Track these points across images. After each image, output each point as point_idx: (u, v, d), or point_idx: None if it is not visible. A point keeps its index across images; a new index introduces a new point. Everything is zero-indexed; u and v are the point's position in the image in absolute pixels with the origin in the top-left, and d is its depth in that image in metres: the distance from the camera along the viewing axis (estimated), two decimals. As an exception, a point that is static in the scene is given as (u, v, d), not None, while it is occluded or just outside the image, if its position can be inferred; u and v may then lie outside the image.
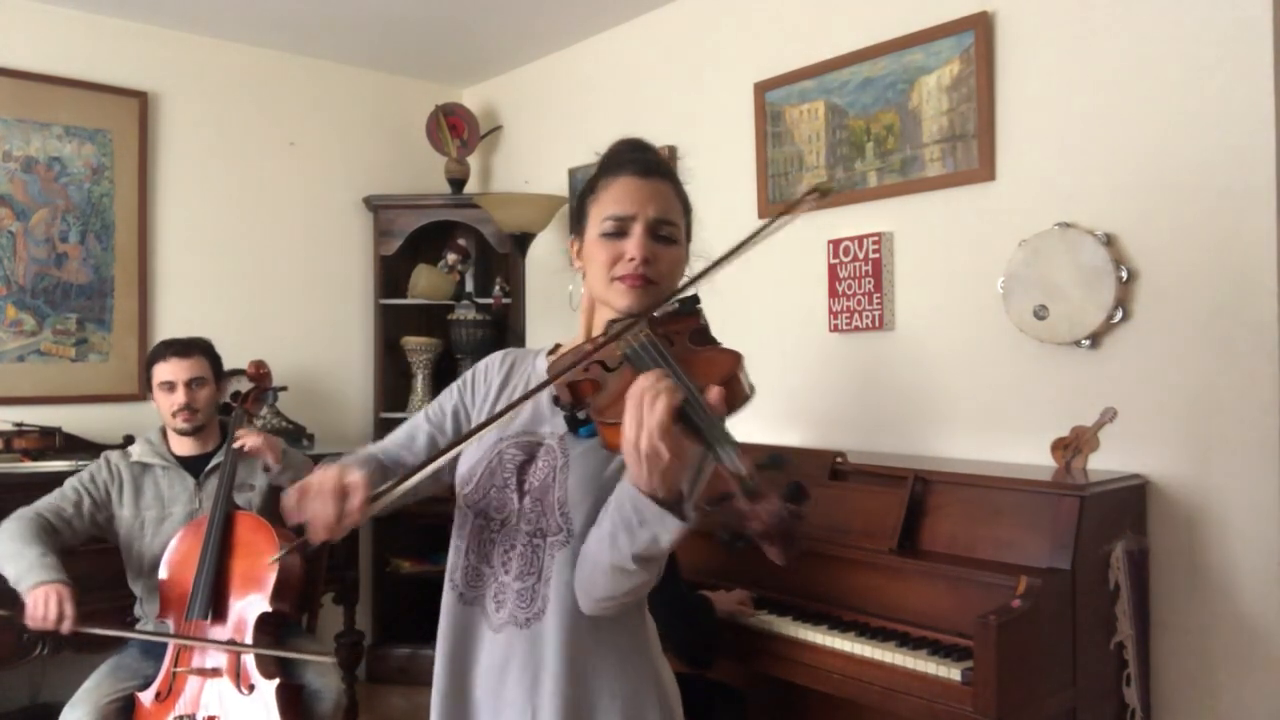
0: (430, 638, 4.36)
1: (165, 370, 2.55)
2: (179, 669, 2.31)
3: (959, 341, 2.59)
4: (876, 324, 2.73)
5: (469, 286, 4.21)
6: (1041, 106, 2.42)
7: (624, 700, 1.28)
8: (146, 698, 2.31)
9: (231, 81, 3.80)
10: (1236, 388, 2.10)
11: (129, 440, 3.12)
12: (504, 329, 3.98)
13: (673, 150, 3.40)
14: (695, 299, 1.29)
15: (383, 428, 4.02)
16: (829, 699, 2.18)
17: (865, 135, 2.79)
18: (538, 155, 4.05)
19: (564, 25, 3.67)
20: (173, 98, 3.67)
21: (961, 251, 2.58)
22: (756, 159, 3.07)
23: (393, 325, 4.08)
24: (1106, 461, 2.28)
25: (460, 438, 1.28)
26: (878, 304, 2.73)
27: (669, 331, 1.22)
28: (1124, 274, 2.23)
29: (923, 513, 2.22)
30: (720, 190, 3.22)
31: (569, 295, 1.41)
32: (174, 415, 2.55)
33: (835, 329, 2.84)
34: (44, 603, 2.16)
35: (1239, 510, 2.10)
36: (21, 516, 2.36)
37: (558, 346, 1.43)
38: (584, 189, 1.37)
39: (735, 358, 1.14)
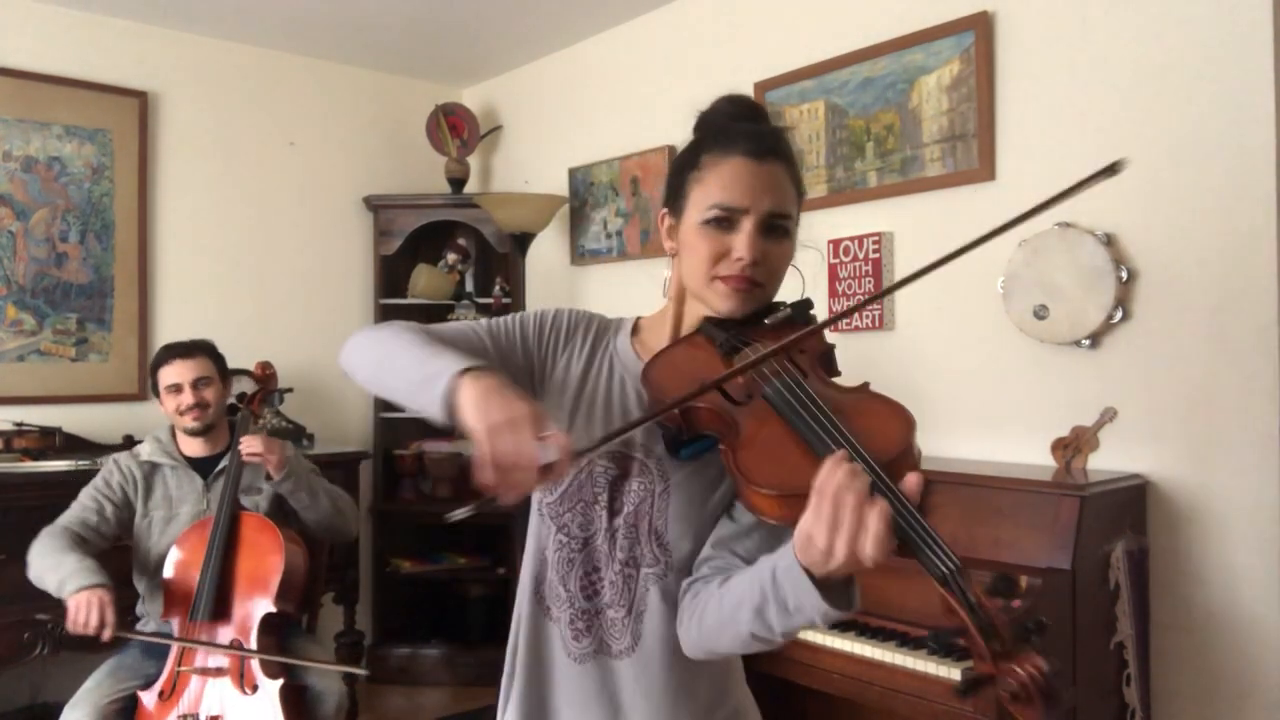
0: (430, 637, 4.33)
1: (170, 373, 2.55)
2: (182, 668, 2.32)
3: (959, 341, 2.59)
4: (876, 324, 2.74)
5: (469, 286, 4.21)
6: (1041, 106, 2.42)
7: None
8: (149, 697, 2.31)
9: (231, 81, 3.80)
10: (1236, 388, 2.11)
11: (129, 440, 3.12)
12: (504, 329, 3.97)
13: (673, 150, 3.40)
14: (809, 304, 1.14)
15: (383, 428, 4.03)
16: (829, 699, 2.18)
17: (865, 135, 2.79)
18: (538, 155, 4.05)
19: (564, 25, 3.67)
20: (173, 98, 3.67)
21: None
22: (756, 159, 3.07)
23: (393, 325, 4.08)
24: (1106, 461, 2.28)
25: (643, 417, 1.07)
26: (878, 304, 2.73)
27: (795, 355, 1.04)
28: (1124, 274, 2.24)
29: (923, 512, 2.20)
30: (720, 190, 3.23)
31: (663, 282, 1.22)
32: (183, 415, 2.55)
33: (835, 329, 2.84)
34: (85, 609, 2.17)
35: (1239, 510, 2.10)
36: (49, 533, 2.36)
37: (638, 323, 1.25)
38: (683, 157, 1.18)
39: (908, 421, 0.96)
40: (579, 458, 0.98)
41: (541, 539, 1.20)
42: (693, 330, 1.16)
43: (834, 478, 0.86)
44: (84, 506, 2.46)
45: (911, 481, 0.89)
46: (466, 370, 0.98)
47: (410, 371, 1.08)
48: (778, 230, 1.12)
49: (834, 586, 0.91)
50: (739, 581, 1.02)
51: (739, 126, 1.17)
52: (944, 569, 0.83)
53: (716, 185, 1.11)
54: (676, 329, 1.20)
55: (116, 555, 2.59)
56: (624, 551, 1.14)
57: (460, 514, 0.94)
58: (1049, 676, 0.77)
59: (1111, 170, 1.02)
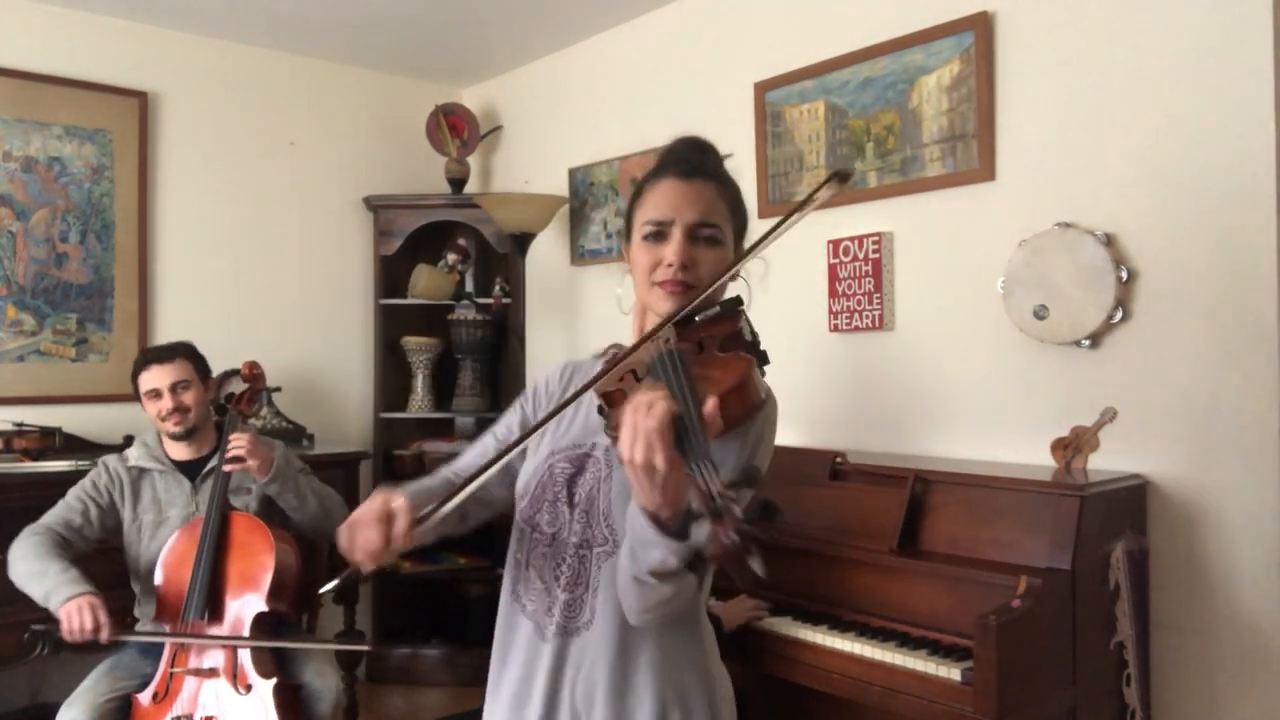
0: (430, 637, 4.37)
1: (149, 379, 2.55)
2: (176, 669, 2.31)
3: (959, 341, 2.58)
4: (876, 324, 2.73)
5: (469, 286, 4.21)
6: (1041, 106, 2.42)
7: (673, 709, 1.27)
8: (144, 698, 2.31)
9: (231, 81, 3.80)
10: (1236, 388, 2.10)
11: (129, 440, 3.12)
12: (504, 329, 3.98)
13: (673, 150, 3.40)
14: (737, 301, 1.26)
15: (383, 428, 4.03)
16: (829, 699, 2.17)
17: (865, 135, 2.79)
18: (538, 155, 4.05)
19: (564, 25, 3.67)
20: (173, 98, 3.67)
21: (961, 251, 2.58)
22: (756, 159, 3.07)
23: (393, 325, 4.09)
24: (1106, 461, 2.27)
25: (500, 453, 1.27)
26: (878, 304, 2.72)
27: (704, 337, 1.19)
28: (1124, 274, 2.23)
29: (923, 513, 2.22)
30: (720, 190, 3.23)
31: (617, 299, 1.40)
32: (164, 420, 2.55)
33: (835, 329, 2.83)
34: (78, 616, 2.17)
35: (1239, 510, 2.10)
36: (32, 534, 2.36)
37: (616, 346, 1.42)
38: (634, 192, 1.36)
39: (746, 363, 1.10)
40: (422, 519, 1.18)
41: (516, 547, 1.36)
42: None
43: (638, 395, 1.02)
44: (69, 507, 2.46)
45: (708, 403, 1.03)
46: None
47: None
48: (706, 239, 1.28)
49: (671, 524, 1.05)
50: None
51: (672, 156, 1.34)
52: (694, 465, 0.98)
53: (650, 204, 1.30)
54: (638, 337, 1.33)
55: (112, 556, 2.59)
56: (578, 535, 1.28)
57: (329, 588, 1.25)
58: (739, 538, 0.90)
59: (840, 178, 1.18)
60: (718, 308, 1.25)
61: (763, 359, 1.23)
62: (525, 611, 1.33)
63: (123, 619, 2.62)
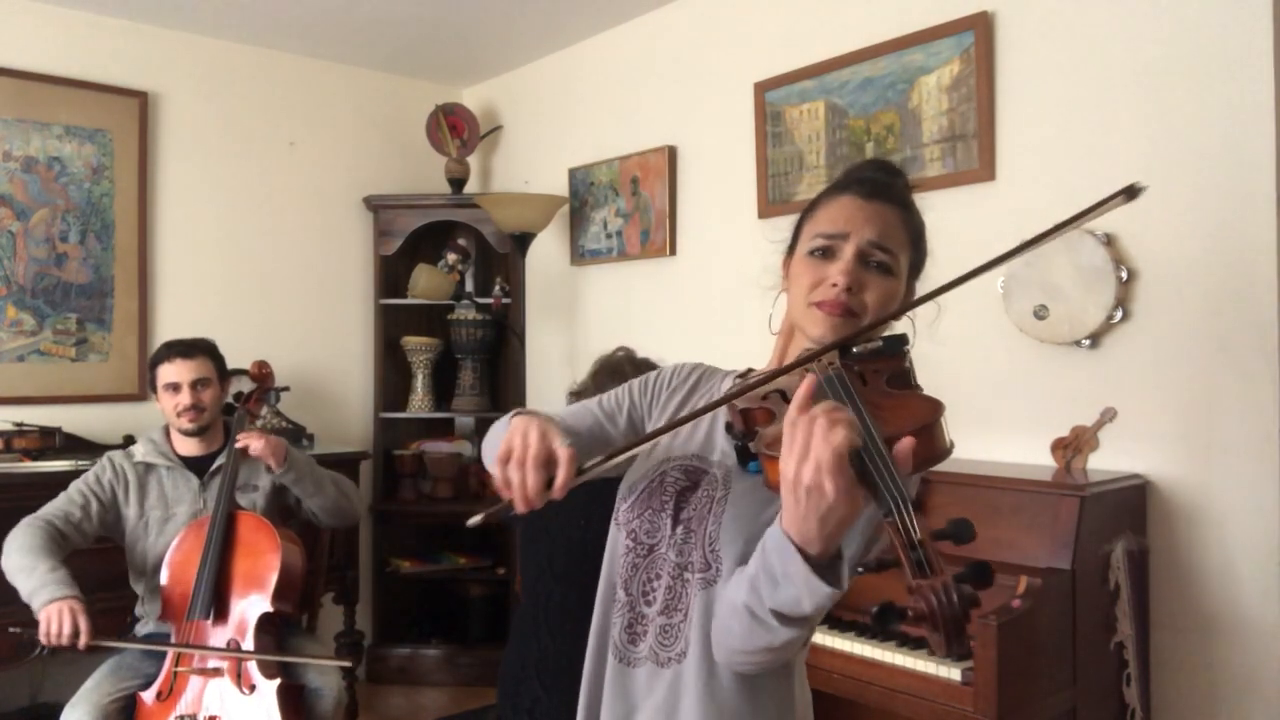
0: (430, 637, 4.35)
1: (170, 372, 2.55)
2: (180, 669, 2.32)
3: (959, 341, 2.58)
4: (876, 324, 2.73)
5: (469, 286, 4.21)
6: (1041, 106, 2.42)
7: None
8: (148, 697, 2.31)
9: (231, 81, 3.80)
10: (1236, 388, 2.10)
11: (129, 440, 3.12)
12: (504, 329, 3.98)
13: (673, 150, 3.40)
14: (903, 339, 1.16)
15: (383, 428, 4.03)
16: (829, 699, 2.17)
17: (865, 135, 2.79)
18: (538, 155, 4.05)
19: (564, 25, 3.67)
20: (173, 98, 3.67)
21: (961, 251, 2.57)
22: (756, 159, 3.07)
23: (393, 325, 4.09)
24: (1106, 461, 2.28)
25: (661, 428, 1.14)
26: (878, 304, 2.72)
27: (865, 370, 1.09)
28: (1124, 274, 2.23)
29: (923, 513, 2.21)
30: (720, 190, 3.23)
31: (768, 318, 1.28)
32: (179, 416, 2.55)
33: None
34: (58, 620, 2.16)
35: (1239, 510, 2.10)
36: (30, 525, 2.35)
37: (750, 371, 1.30)
38: (807, 206, 1.25)
39: (935, 407, 1.00)
40: (583, 471, 1.05)
41: (614, 548, 1.24)
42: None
43: (813, 410, 0.90)
44: (70, 500, 2.46)
45: (903, 443, 0.91)
46: None
47: None
48: (879, 265, 1.16)
49: (821, 563, 0.92)
50: (745, 565, 1.05)
51: (857, 173, 1.23)
52: (890, 503, 0.87)
53: (824, 218, 1.19)
54: (780, 361, 1.24)
55: (112, 556, 2.59)
56: (679, 555, 1.16)
57: (476, 520, 1.06)
58: (959, 600, 0.79)
59: (1130, 193, 1.08)
60: (881, 342, 1.14)
61: None
62: (611, 622, 1.22)
63: (124, 619, 2.63)
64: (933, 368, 2.65)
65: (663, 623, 1.16)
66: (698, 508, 1.16)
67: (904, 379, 1.12)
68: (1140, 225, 2.24)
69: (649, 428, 1.28)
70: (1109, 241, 2.26)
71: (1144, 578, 2.18)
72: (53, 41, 3.41)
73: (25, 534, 2.32)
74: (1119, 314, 2.25)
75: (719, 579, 1.11)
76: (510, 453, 1.05)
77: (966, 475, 2.22)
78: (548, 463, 1.05)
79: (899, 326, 1.23)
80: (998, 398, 2.49)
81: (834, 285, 1.13)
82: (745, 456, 1.11)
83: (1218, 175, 2.13)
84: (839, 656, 2.07)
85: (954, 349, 2.59)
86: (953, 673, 1.87)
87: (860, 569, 0.92)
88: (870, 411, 0.97)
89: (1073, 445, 2.31)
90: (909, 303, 1.17)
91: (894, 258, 1.18)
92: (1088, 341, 2.30)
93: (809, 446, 0.88)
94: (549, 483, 1.05)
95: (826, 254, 1.16)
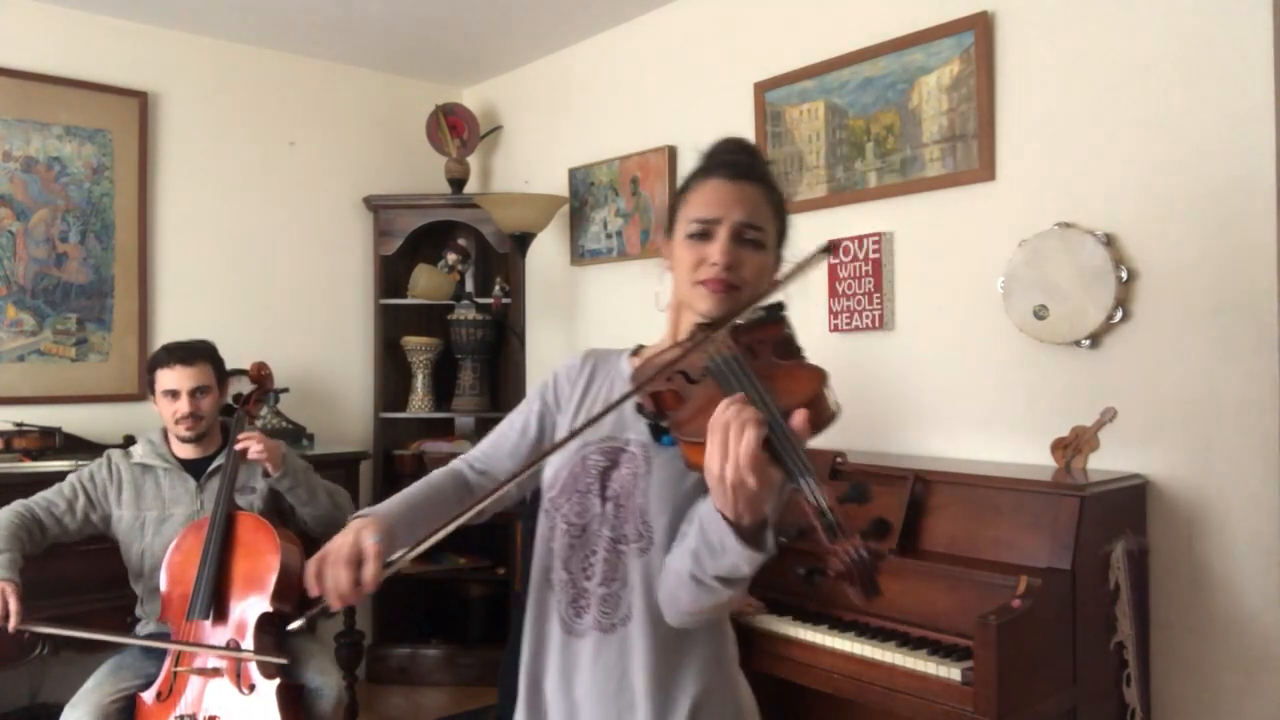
0: (430, 637, 4.36)
1: (169, 378, 2.54)
2: (179, 669, 2.31)
3: (959, 341, 2.59)
4: (876, 324, 2.73)
5: (469, 286, 4.21)
6: (1041, 106, 2.42)
7: (705, 709, 1.27)
8: (148, 698, 2.31)
9: (231, 81, 3.80)
10: (1236, 388, 2.10)
11: (129, 440, 3.12)
12: (504, 329, 3.98)
13: (673, 150, 3.40)
14: (780, 306, 1.27)
15: (383, 428, 4.03)
16: (829, 699, 2.18)
17: (865, 135, 2.79)
18: (538, 155, 4.05)
19: (564, 25, 3.67)
20: (173, 98, 3.67)
21: (961, 251, 2.58)
22: (756, 159, 3.07)
23: (393, 325, 4.09)
24: (1106, 461, 2.28)
25: (511, 476, 1.30)
26: (878, 304, 2.73)
27: (753, 341, 1.19)
28: (1124, 274, 2.23)
29: (923, 513, 2.22)
30: (720, 190, 3.22)
31: (655, 296, 1.42)
32: (177, 423, 2.55)
33: (835, 329, 2.83)
34: None
35: (1239, 510, 2.10)
36: (9, 510, 2.37)
37: (641, 348, 1.42)
38: (679, 189, 1.36)
39: (819, 376, 1.10)
40: (390, 564, 1.21)
41: (545, 534, 1.35)
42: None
43: (723, 413, 1.03)
44: (59, 492, 2.47)
45: (798, 417, 1.03)
46: None
47: None
48: (751, 241, 1.28)
49: (749, 531, 1.05)
50: (681, 536, 1.19)
51: (720, 156, 1.34)
52: (799, 478, 0.99)
53: (697, 203, 1.30)
54: (673, 339, 1.34)
55: (111, 557, 2.59)
56: (613, 530, 1.28)
57: (297, 624, 1.25)
58: (868, 555, 0.93)
59: (828, 250, 1.27)
60: (763, 312, 1.25)
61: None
62: (553, 600, 1.32)
63: (122, 619, 2.63)
64: (933, 367, 2.67)
65: (603, 593, 1.27)
66: (624, 484, 1.28)
67: (788, 347, 1.22)
68: (1140, 225, 2.24)
69: (562, 427, 1.39)
70: (1109, 241, 2.26)
71: (1144, 578, 2.18)
72: (53, 41, 3.41)
73: (2, 516, 2.34)
74: (1119, 314, 2.25)
75: (653, 546, 1.24)
76: (324, 555, 1.20)
77: (966, 475, 2.22)
78: (357, 560, 1.18)
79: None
80: (998, 398, 2.49)
81: (714, 264, 1.25)
82: (658, 432, 1.21)
83: (1217, 175, 2.13)
84: (839, 656, 2.07)
85: (954, 349, 2.60)
86: (953, 673, 1.87)
87: (783, 539, 1.05)
88: (766, 386, 1.09)
89: (1073, 445, 2.31)
90: (778, 280, 1.27)
91: (763, 232, 1.29)
92: (1088, 341, 2.30)
93: (727, 447, 1.01)
94: (359, 580, 1.17)
95: (704, 236, 1.27)
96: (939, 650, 1.97)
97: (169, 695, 2.30)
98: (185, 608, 2.35)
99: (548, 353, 3.91)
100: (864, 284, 2.76)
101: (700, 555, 1.11)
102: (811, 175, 2.92)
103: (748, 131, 3.09)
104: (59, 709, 2.34)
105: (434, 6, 3.48)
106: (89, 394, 3.44)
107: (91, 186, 3.47)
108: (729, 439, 1.01)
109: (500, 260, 4.09)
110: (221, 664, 2.32)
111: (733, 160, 1.32)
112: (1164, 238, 2.21)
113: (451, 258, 4.09)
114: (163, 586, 2.41)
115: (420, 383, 4.06)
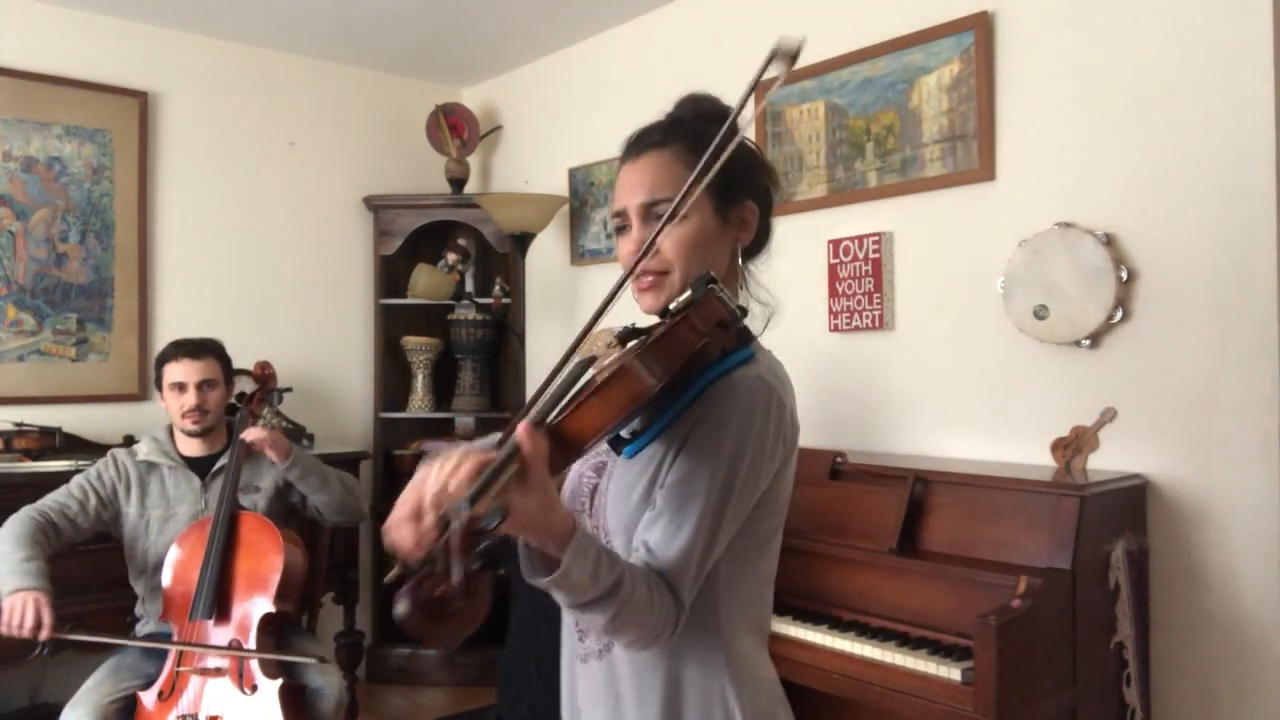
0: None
1: (177, 371, 2.55)
2: (181, 669, 2.31)
3: (959, 341, 2.59)
4: (876, 324, 2.74)
5: (469, 286, 4.21)
6: (1041, 106, 2.42)
7: None
8: (148, 697, 2.31)
9: (231, 81, 3.80)
10: (1236, 388, 2.11)
11: (129, 440, 3.12)
12: (504, 329, 3.98)
13: (673, 150, 3.40)
14: (706, 279, 1.10)
15: (383, 428, 4.03)
16: (829, 699, 2.18)
17: (865, 135, 2.79)
18: (538, 155, 4.05)
19: (564, 25, 3.67)
20: (173, 98, 3.67)
21: (961, 251, 2.58)
22: (756, 159, 3.07)
23: (393, 325, 4.09)
24: (1106, 461, 2.28)
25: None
26: (878, 304, 2.73)
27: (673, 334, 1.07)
28: (1124, 274, 2.24)
29: (922, 513, 2.22)
30: (720, 190, 3.23)
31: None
32: (184, 416, 2.55)
33: (835, 329, 2.84)
34: (20, 610, 2.14)
35: (1239, 510, 2.10)
36: (22, 515, 2.36)
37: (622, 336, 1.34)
38: None
39: (620, 364, 1.03)
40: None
41: None
42: None
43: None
44: (69, 494, 2.46)
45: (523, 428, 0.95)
46: None
47: None
48: (660, 216, 1.14)
49: (557, 560, 1.00)
50: None
51: (627, 143, 1.24)
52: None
53: (614, 200, 1.21)
54: None
55: (112, 556, 2.59)
56: None
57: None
58: (439, 595, 0.92)
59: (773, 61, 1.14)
60: (689, 291, 1.10)
61: (744, 336, 1.13)
62: (565, 624, 1.26)
63: (123, 619, 2.63)
64: (933, 367, 2.67)
65: None
66: (599, 502, 1.20)
67: (724, 325, 1.10)
68: (1140, 225, 2.24)
69: None
70: (1109, 241, 2.26)
71: (1144, 578, 2.18)
72: (53, 41, 3.41)
73: (15, 523, 2.33)
74: (1119, 314, 2.25)
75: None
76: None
77: (966, 475, 2.23)
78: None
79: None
80: (998, 398, 2.49)
81: (630, 259, 1.16)
82: (618, 443, 1.13)
83: (1217, 175, 2.13)
84: (839, 656, 2.07)
85: (954, 349, 2.60)
86: (953, 673, 1.87)
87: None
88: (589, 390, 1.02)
89: (1073, 445, 2.31)
90: (693, 183, 1.12)
91: (669, 202, 1.14)
92: (1088, 341, 2.30)
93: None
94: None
95: (621, 231, 1.20)
96: (939, 650, 1.97)
97: (170, 695, 2.30)
98: (188, 607, 2.35)
99: (548, 353, 3.91)
100: (864, 284, 2.76)
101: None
102: (811, 175, 2.92)
103: (748, 132, 3.08)
104: (59, 709, 2.33)
105: (434, 6, 3.48)
106: (89, 394, 3.44)
107: (91, 186, 3.47)
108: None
109: (500, 260, 4.09)
110: (224, 664, 2.32)
111: (635, 139, 1.22)
112: (1164, 238, 2.21)
113: (451, 258, 4.09)
114: (165, 585, 2.41)
115: (420, 382, 4.06)
